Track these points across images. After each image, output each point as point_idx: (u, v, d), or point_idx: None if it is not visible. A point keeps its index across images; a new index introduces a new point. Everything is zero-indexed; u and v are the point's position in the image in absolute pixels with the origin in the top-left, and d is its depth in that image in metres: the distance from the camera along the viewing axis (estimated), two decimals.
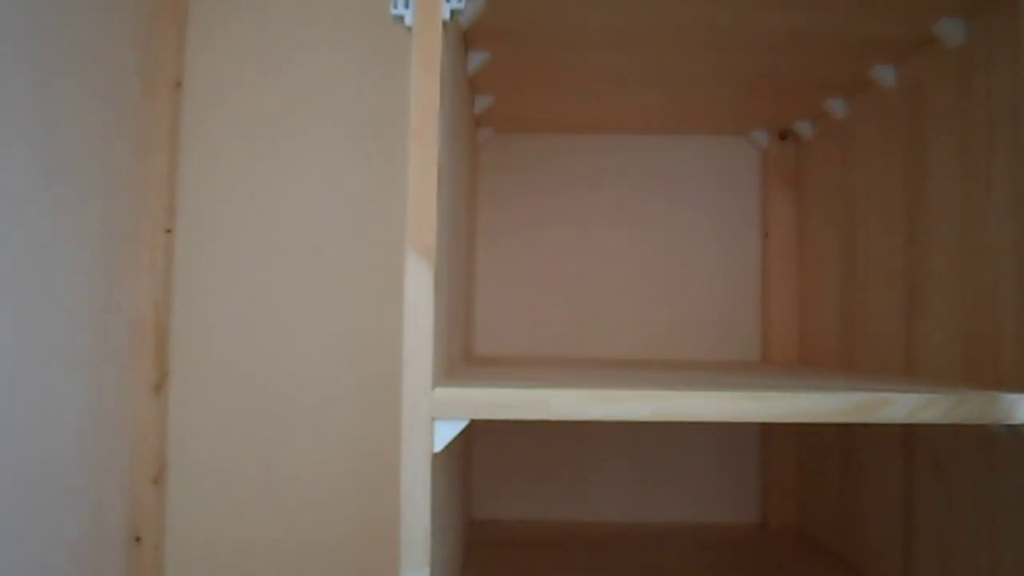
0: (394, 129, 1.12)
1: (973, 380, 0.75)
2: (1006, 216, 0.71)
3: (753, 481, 1.20)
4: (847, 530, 1.02)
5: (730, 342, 1.23)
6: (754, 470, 1.21)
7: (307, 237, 1.12)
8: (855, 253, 1.02)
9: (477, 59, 0.89)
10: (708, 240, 1.24)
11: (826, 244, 1.11)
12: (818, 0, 0.76)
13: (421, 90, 0.56)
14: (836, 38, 0.85)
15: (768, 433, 1.19)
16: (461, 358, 0.92)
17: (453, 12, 0.58)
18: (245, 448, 1.10)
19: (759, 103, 1.09)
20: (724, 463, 1.21)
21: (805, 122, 1.16)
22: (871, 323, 0.97)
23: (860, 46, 0.88)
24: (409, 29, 0.57)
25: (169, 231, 1.12)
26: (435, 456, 0.57)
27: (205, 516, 1.10)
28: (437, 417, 0.56)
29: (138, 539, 1.04)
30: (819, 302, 1.13)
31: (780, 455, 1.18)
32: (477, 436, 1.21)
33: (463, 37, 0.84)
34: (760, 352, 1.23)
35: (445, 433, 0.56)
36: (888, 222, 0.93)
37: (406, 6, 0.57)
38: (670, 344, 1.22)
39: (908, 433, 0.87)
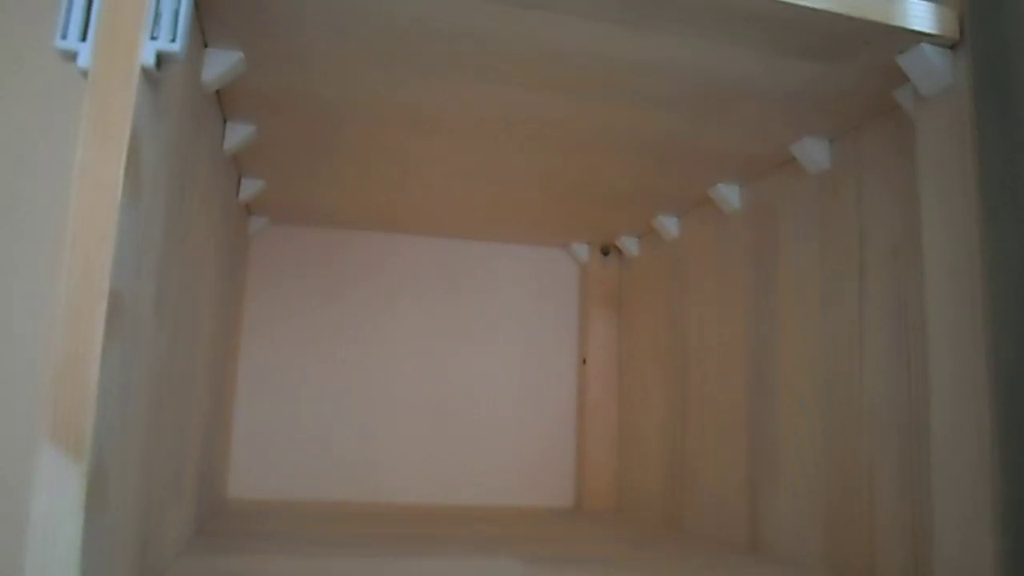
0: None
1: (836, 569, 0.61)
2: (881, 372, 0.58)
3: None
4: None
5: (541, 486, 1.04)
6: None
7: None
8: (685, 394, 0.88)
9: (239, 133, 0.68)
10: (518, 365, 1.06)
11: (651, 377, 0.96)
12: (669, 101, 0.61)
13: (92, 184, 0.34)
14: (680, 148, 0.72)
15: None
16: (202, 507, 0.68)
17: (161, 56, 0.37)
18: None
19: (581, 214, 0.94)
20: None
21: (631, 237, 1.03)
22: (704, 480, 0.82)
23: (705, 161, 0.75)
24: (84, 75, 0.35)
25: None
26: None
27: None
28: None
29: None
30: (641, 444, 0.97)
31: None
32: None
33: (217, 101, 0.63)
34: (575, 497, 1.05)
35: None
36: (729, 361, 0.80)
37: (82, 38, 0.36)
38: (470, 487, 1.02)
39: None
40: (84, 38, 0.35)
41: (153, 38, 0.36)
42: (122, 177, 0.34)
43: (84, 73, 0.35)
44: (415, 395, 1.03)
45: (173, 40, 0.36)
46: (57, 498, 0.32)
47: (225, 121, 0.67)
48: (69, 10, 0.36)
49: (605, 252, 1.08)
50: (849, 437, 0.61)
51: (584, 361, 1.06)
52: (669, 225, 0.92)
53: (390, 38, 0.52)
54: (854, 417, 0.61)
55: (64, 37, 0.35)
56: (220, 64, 0.53)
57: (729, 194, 0.80)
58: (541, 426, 1.06)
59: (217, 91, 0.61)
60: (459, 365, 1.05)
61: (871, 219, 0.62)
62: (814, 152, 0.68)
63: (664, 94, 0.60)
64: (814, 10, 0.47)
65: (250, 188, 0.83)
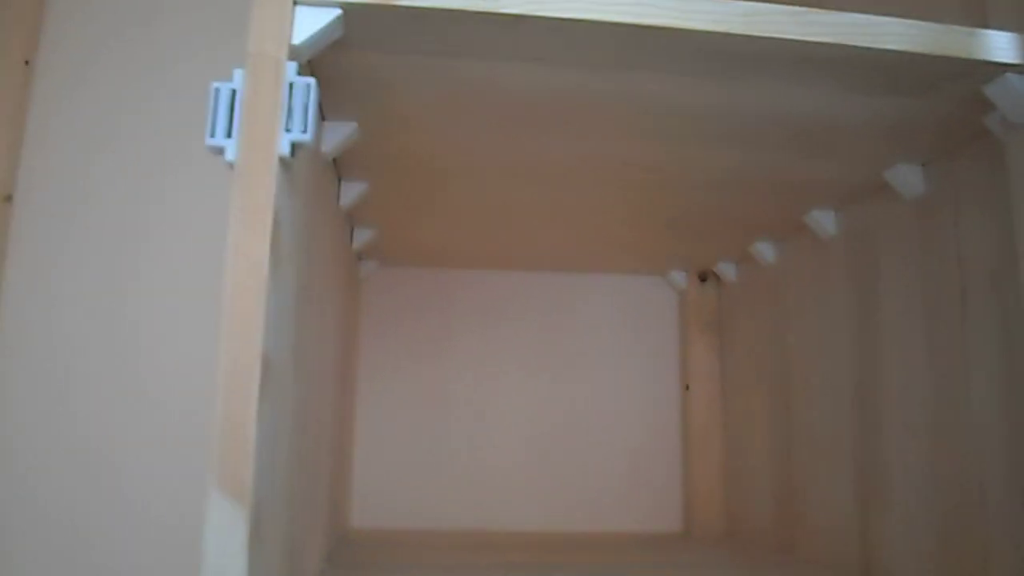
0: None
1: None
2: (990, 392, 0.58)
3: None
4: None
5: (648, 511, 1.06)
6: None
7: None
8: (790, 417, 0.88)
9: (353, 190, 0.73)
10: (621, 393, 1.09)
11: (756, 402, 0.97)
12: (758, 139, 0.63)
13: (243, 251, 0.39)
14: (771, 179, 0.73)
15: None
16: (330, 538, 0.73)
17: (295, 146, 0.42)
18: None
19: (678, 243, 0.96)
20: None
21: (728, 263, 1.04)
22: (814, 503, 0.83)
23: (798, 189, 0.76)
24: (231, 167, 0.40)
25: None
26: None
27: None
28: None
29: None
30: (748, 468, 0.98)
31: None
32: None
33: (333, 166, 0.68)
34: (683, 523, 1.06)
35: None
36: (833, 385, 0.80)
37: (227, 135, 0.41)
38: (577, 514, 1.05)
39: None
40: (229, 135, 0.41)
41: (287, 130, 0.41)
42: (268, 254, 0.39)
43: (230, 165, 0.40)
44: (523, 425, 1.06)
45: (304, 131, 0.41)
46: (225, 539, 0.37)
47: (340, 180, 0.73)
48: (215, 112, 0.41)
49: (703, 278, 1.09)
50: (958, 457, 0.62)
51: (687, 387, 1.07)
52: (766, 251, 0.94)
53: (497, 103, 0.57)
54: (962, 437, 0.61)
55: (213, 135, 0.41)
56: (337, 134, 0.59)
57: (824, 220, 0.81)
58: (646, 452, 1.07)
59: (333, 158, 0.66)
60: (564, 394, 1.08)
61: (969, 243, 0.62)
62: (908, 178, 0.68)
63: (758, 135, 0.62)
64: (900, 52, 0.49)
65: (362, 237, 0.89)
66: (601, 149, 0.66)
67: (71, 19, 1.04)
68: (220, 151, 0.41)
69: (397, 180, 0.73)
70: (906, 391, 0.69)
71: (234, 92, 0.41)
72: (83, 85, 1.01)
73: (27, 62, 1.02)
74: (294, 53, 0.43)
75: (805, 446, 0.85)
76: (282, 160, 0.41)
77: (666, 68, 0.51)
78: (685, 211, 0.83)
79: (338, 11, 0.43)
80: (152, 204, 0.98)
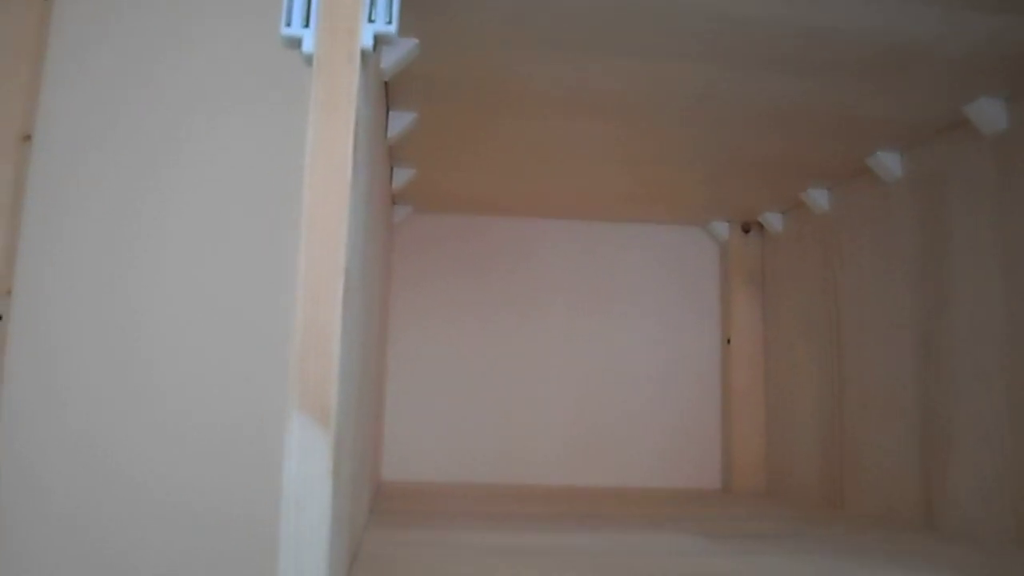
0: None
1: None
2: None
3: None
4: None
5: (686, 466, 1.04)
6: None
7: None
8: (841, 370, 0.85)
9: (400, 121, 0.70)
10: (660, 345, 1.06)
11: (801, 355, 0.94)
12: (829, 65, 0.59)
13: (324, 163, 0.35)
14: (836, 116, 0.70)
15: None
16: (372, 487, 0.70)
17: (377, 38, 0.38)
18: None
19: (722, 191, 0.92)
20: None
21: (774, 213, 1.01)
22: (868, 456, 0.80)
23: (864, 128, 0.72)
24: (309, 60, 0.37)
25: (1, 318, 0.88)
26: None
27: None
28: None
29: None
30: (792, 423, 0.95)
31: None
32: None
33: (384, 89, 0.64)
34: (721, 479, 1.04)
35: None
36: (892, 335, 0.77)
37: (305, 24, 0.37)
38: (615, 469, 1.02)
39: None
40: (307, 24, 0.37)
41: (371, 20, 0.37)
42: (351, 155, 0.36)
43: (308, 59, 0.37)
44: (558, 377, 1.03)
45: (389, 22, 0.37)
46: (308, 464, 0.34)
47: (388, 110, 0.69)
48: None
49: (746, 230, 1.06)
50: None
51: (728, 341, 1.04)
52: (820, 198, 0.90)
53: (560, 20, 0.53)
54: None
55: (289, 24, 0.37)
56: (398, 50, 0.55)
57: (890, 162, 0.78)
58: (685, 407, 1.05)
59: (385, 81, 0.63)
60: (601, 346, 1.05)
61: None
62: (991, 113, 0.65)
63: (832, 60, 0.58)
64: None
65: (401, 177, 0.85)
66: (655, 73, 0.61)
67: None
68: (297, 42, 0.37)
69: (447, 113, 0.70)
70: (978, 339, 0.66)
71: None
72: (104, 23, 0.97)
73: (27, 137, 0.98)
74: None
75: (858, 398, 0.82)
76: (364, 53, 0.37)
77: None
78: (735, 153, 0.79)
79: None
80: (176, 147, 0.94)
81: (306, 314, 0.34)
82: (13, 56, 0.95)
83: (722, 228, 1.06)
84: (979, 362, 0.65)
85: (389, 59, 0.55)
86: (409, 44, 0.55)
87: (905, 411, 0.74)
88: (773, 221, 1.01)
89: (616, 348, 1.05)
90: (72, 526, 0.85)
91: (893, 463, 0.76)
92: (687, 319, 1.07)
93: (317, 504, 0.34)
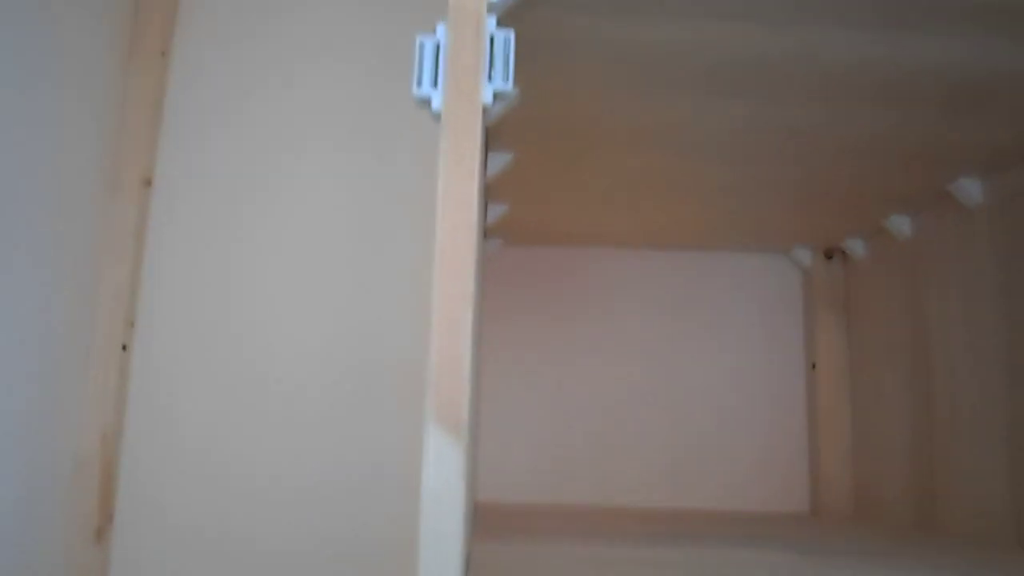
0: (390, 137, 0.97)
1: None
2: None
3: None
4: None
5: (774, 490, 1.05)
6: None
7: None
8: (931, 394, 0.86)
9: (498, 161, 0.75)
10: (745, 370, 1.08)
11: (887, 379, 0.95)
12: (911, 97, 0.62)
13: (453, 206, 0.40)
14: (919, 144, 0.72)
15: None
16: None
17: (496, 95, 0.43)
18: None
19: (805, 219, 0.95)
20: None
21: (857, 240, 1.03)
22: (959, 480, 0.81)
23: (945, 155, 0.75)
24: (437, 117, 0.42)
25: (125, 348, 0.95)
26: None
27: None
28: None
29: None
30: (880, 448, 0.96)
31: None
32: None
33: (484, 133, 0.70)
34: (810, 503, 1.05)
35: None
36: (981, 360, 0.78)
37: (433, 84, 0.42)
38: (701, 492, 1.05)
39: None
40: (435, 85, 0.42)
41: (490, 80, 0.42)
42: (476, 197, 0.41)
43: (437, 116, 0.42)
44: (644, 402, 1.07)
45: (506, 81, 0.42)
46: (444, 471, 0.38)
47: (487, 152, 0.75)
48: (421, 64, 0.42)
49: (829, 256, 1.08)
50: None
51: (813, 366, 1.06)
52: (902, 224, 0.92)
53: (651, 61, 0.57)
54: None
55: (419, 86, 0.42)
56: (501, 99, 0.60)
57: (972, 188, 0.79)
58: (771, 431, 1.06)
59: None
60: (686, 372, 1.07)
61: None
62: None
63: (912, 92, 0.61)
64: None
65: (495, 212, 0.91)
66: (746, 111, 0.65)
67: (204, 10, 1.09)
68: (427, 102, 0.42)
69: (541, 151, 0.75)
70: None
71: (438, 45, 0.43)
72: (216, 75, 1.06)
73: (163, 53, 1.07)
74: (491, 7, 0.44)
75: (947, 423, 0.83)
76: (485, 108, 0.42)
77: (836, 21, 0.51)
78: (820, 182, 0.82)
79: None
80: (284, 190, 1.01)
81: (440, 340, 0.39)
82: (136, 108, 1.04)
83: (805, 255, 1.08)
84: None
85: (494, 107, 0.60)
86: (512, 92, 0.61)
87: (995, 433, 0.76)
88: (856, 247, 1.03)
89: (703, 373, 1.08)
90: (190, 538, 0.92)
91: (984, 485, 0.77)
92: (772, 344, 1.09)
93: (453, 503, 0.38)
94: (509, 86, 0.43)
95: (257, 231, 1.01)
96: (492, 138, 0.72)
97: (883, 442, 0.96)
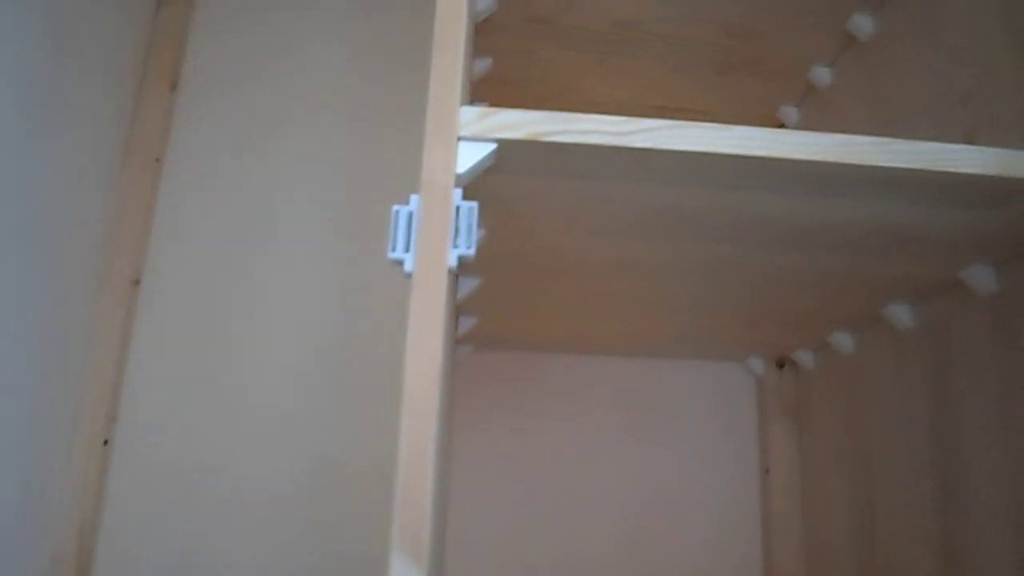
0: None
1: None
2: None
3: None
4: None
5: None
6: None
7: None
8: (872, 503, 0.92)
9: (467, 286, 0.82)
10: (701, 474, 1.13)
11: (835, 486, 1.01)
12: (843, 244, 0.70)
13: (420, 348, 0.47)
14: (853, 276, 0.80)
15: None
16: None
17: (460, 259, 0.50)
18: None
19: (757, 333, 1.02)
20: None
21: (806, 351, 1.10)
22: None
23: (877, 285, 0.82)
24: (409, 276, 0.48)
25: (106, 443, 1.00)
26: None
27: None
28: None
29: None
30: (830, 551, 1.01)
31: None
32: None
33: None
34: None
35: None
36: (914, 472, 0.84)
37: (406, 249, 0.49)
38: None
39: None
40: (407, 250, 0.49)
41: (455, 246, 0.49)
42: (441, 350, 0.47)
43: (408, 275, 0.49)
44: (605, 506, 1.11)
45: (469, 247, 0.49)
46: None
47: (457, 278, 0.81)
48: (395, 231, 0.49)
49: (780, 365, 1.15)
50: None
51: (767, 470, 1.12)
52: (845, 341, 0.99)
53: (604, 212, 0.65)
54: None
55: (394, 250, 0.49)
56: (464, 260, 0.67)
57: (902, 313, 0.87)
58: (727, 534, 1.11)
59: None
60: (647, 473, 1.13)
61: None
62: (982, 277, 0.74)
63: (844, 240, 0.69)
64: (973, 175, 0.55)
65: (465, 325, 0.97)
66: (697, 251, 0.73)
67: (200, 119, 1.17)
68: (400, 263, 0.49)
69: (507, 278, 0.82)
70: (988, 479, 0.73)
71: (411, 214, 0.50)
72: (209, 180, 1.13)
73: (157, 159, 1.15)
74: (458, 180, 0.51)
75: (887, 529, 0.89)
76: (450, 271, 0.49)
77: (767, 188, 0.59)
78: (766, 304, 0.89)
79: (494, 145, 0.52)
80: (272, 297, 1.08)
81: (405, 475, 0.45)
82: (128, 209, 1.11)
83: (758, 364, 1.15)
84: (992, 501, 0.73)
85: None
86: (479, 234, 0.68)
87: (930, 536, 0.81)
88: (805, 358, 1.10)
89: (661, 476, 1.13)
90: (179, 539, 0.95)
91: None
92: (727, 449, 1.15)
93: None
94: (472, 251, 0.50)
95: (243, 333, 1.07)
96: (462, 266, 0.78)
97: (833, 545, 1.01)
